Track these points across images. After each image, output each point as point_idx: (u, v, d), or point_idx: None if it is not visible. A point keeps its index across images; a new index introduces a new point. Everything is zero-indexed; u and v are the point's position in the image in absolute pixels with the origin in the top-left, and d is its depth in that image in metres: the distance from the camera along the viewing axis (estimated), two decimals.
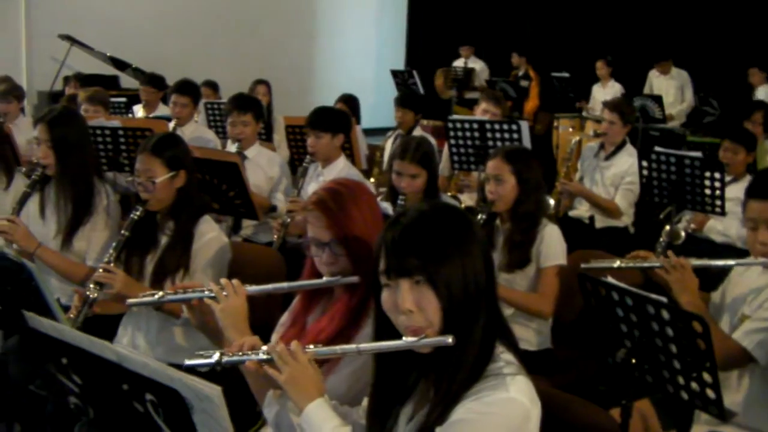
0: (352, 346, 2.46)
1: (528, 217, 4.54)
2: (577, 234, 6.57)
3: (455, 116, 7.63)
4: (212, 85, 10.90)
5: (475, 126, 6.85)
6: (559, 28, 15.59)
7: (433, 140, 6.68)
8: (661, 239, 6.27)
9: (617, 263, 4.03)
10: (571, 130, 12.08)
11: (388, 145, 8.54)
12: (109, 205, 4.71)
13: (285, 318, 3.31)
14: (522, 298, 4.55)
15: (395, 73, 13.87)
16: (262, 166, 6.57)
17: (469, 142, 6.89)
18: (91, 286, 3.95)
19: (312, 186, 6.05)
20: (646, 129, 11.42)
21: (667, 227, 6.34)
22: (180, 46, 14.72)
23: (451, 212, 2.39)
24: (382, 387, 2.47)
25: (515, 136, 6.64)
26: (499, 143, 6.61)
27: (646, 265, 3.96)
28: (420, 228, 2.29)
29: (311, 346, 2.51)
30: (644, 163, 6.53)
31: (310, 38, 17.64)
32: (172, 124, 7.87)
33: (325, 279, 3.02)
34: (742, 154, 6.77)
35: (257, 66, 13.55)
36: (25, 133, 8.22)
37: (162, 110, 9.32)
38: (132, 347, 4.17)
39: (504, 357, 2.30)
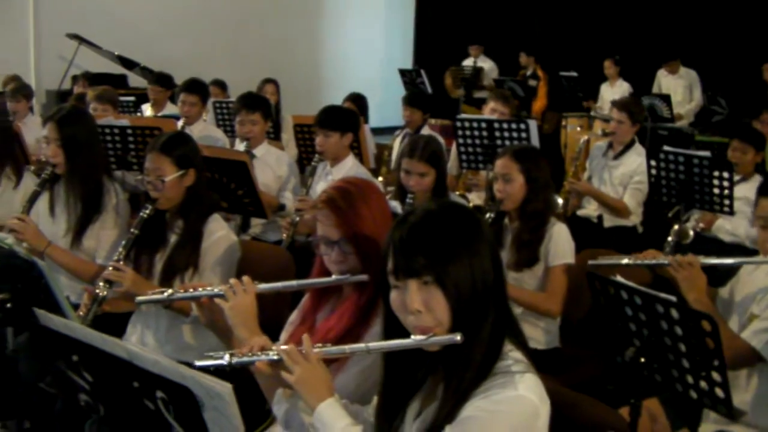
0: (361, 345, 2.47)
1: (536, 215, 4.54)
2: (586, 233, 6.56)
3: (464, 115, 7.62)
4: (221, 84, 10.91)
5: (484, 125, 6.84)
6: (567, 28, 15.55)
7: (441, 139, 6.68)
8: (670, 238, 6.26)
9: (625, 260, 4.03)
10: (579, 129, 12.06)
11: (396, 144, 8.53)
12: (118, 204, 4.72)
13: (294, 316, 3.31)
14: (530, 297, 4.55)
15: (403, 72, 13.85)
16: (271, 165, 6.58)
17: (477, 141, 6.89)
18: (101, 284, 3.97)
19: (321, 185, 6.05)
20: (655, 128, 11.40)
21: (676, 226, 6.33)
22: (188, 45, 14.73)
23: (458, 211, 2.39)
24: (391, 385, 2.47)
25: (523, 135, 6.64)
26: (507, 142, 6.60)
27: (654, 262, 3.96)
28: (427, 227, 2.29)
29: (320, 346, 2.52)
30: (653, 163, 6.52)
31: (318, 37, 17.65)
32: (180, 123, 7.87)
33: (334, 277, 3.03)
34: (750, 154, 6.76)
35: (266, 65, 13.56)
36: (34, 131, 8.25)
37: (170, 109, 9.34)
38: (141, 345, 4.18)
39: (513, 355, 2.31)
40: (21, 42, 13.77)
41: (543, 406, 2.26)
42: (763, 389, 3.56)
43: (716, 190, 6.11)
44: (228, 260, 4.14)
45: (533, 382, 2.26)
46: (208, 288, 3.11)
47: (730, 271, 3.98)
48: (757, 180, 6.60)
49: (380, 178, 8.03)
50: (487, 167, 6.87)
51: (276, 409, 2.69)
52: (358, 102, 9.41)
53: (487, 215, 4.55)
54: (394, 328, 2.36)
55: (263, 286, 3.08)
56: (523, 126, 6.67)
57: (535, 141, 6.56)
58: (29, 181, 5.34)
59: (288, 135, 9.14)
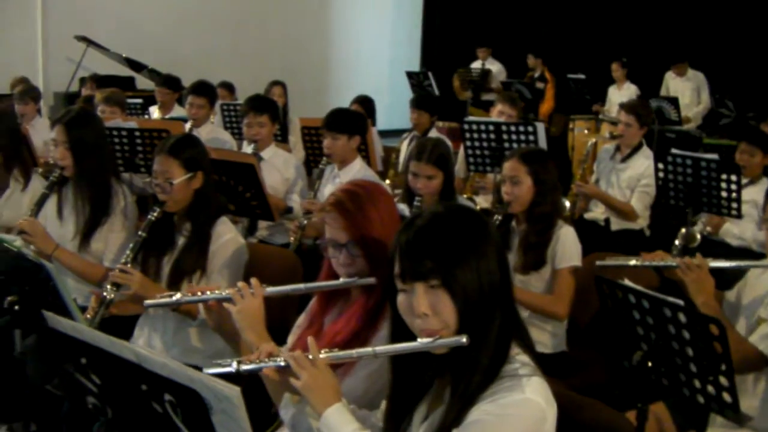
0: (368, 349, 2.47)
1: (544, 218, 4.54)
2: (593, 236, 6.56)
3: (471, 118, 7.63)
4: (228, 87, 10.92)
5: (491, 128, 6.85)
6: (574, 30, 15.54)
7: (448, 142, 6.68)
8: (677, 242, 6.27)
9: (633, 261, 4.03)
10: (586, 132, 12.06)
11: (404, 147, 8.54)
12: (126, 207, 4.73)
13: (302, 319, 3.31)
14: (537, 299, 4.55)
15: (410, 75, 13.86)
16: (278, 168, 6.58)
17: (485, 144, 6.89)
18: (108, 286, 3.97)
19: (328, 188, 6.06)
20: (662, 131, 11.39)
21: (683, 230, 6.33)
22: (196, 47, 14.76)
23: (465, 214, 2.39)
24: (399, 389, 2.47)
25: (531, 137, 6.64)
26: (515, 145, 6.61)
27: (662, 264, 3.95)
28: (434, 230, 2.29)
29: (327, 350, 2.52)
30: (660, 166, 6.52)
31: (325, 39, 17.67)
32: (188, 125, 7.88)
33: (342, 280, 3.03)
34: (758, 157, 6.74)
35: (273, 67, 13.61)
36: (42, 134, 8.26)
37: (177, 111, 9.34)
38: (148, 348, 4.18)
39: (519, 358, 2.31)
40: (29, 44, 13.82)
41: (550, 409, 2.27)
42: None
43: (724, 193, 6.11)
44: (236, 263, 4.14)
45: (540, 386, 2.26)
46: (216, 291, 3.11)
47: (737, 275, 3.97)
48: (765, 183, 6.60)
49: (387, 181, 8.04)
50: (494, 170, 6.87)
51: (283, 414, 2.69)
52: (366, 105, 9.41)
53: (495, 218, 4.55)
54: (401, 331, 2.37)
55: (271, 290, 3.08)
56: (530, 128, 6.67)
57: (542, 143, 6.56)
58: (37, 184, 5.34)
59: (295, 137, 9.14)
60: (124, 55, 13.59)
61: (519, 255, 4.55)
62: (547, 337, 4.62)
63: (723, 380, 3.13)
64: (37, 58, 13.93)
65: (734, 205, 6.09)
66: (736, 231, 6.64)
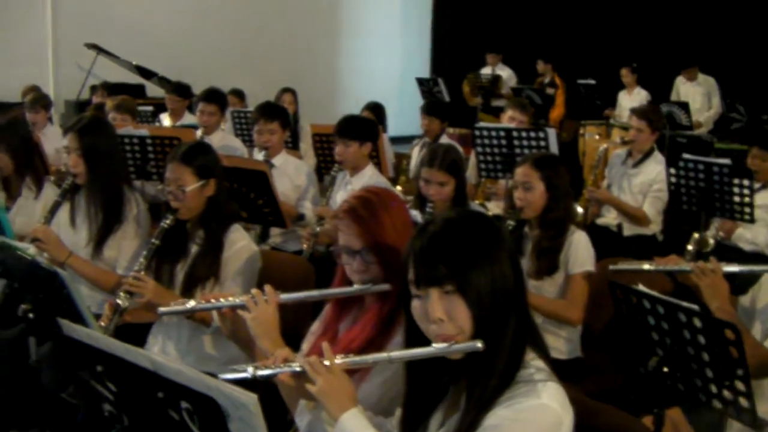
0: (384, 355, 2.46)
1: (556, 223, 4.53)
2: (605, 242, 6.54)
3: (482, 124, 7.62)
4: (239, 94, 10.94)
5: (502, 134, 6.84)
6: (584, 35, 15.52)
7: (459, 148, 6.68)
8: (690, 247, 6.25)
9: (647, 266, 4.01)
10: (597, 137, 12.04)
11: (415, 153, 8.54)
12: (139, 214, 4.74)
13: (316, 326, 3.31)
14: (550, 304, 4.54)
15: (421, 81, 13.86)
16: (289, 175, 6.58)
17: (496, 150, 6.89)
18: (122, 294, 3.97)
19: (340, 194, 6.07)
20: (673, 136, 11.38)
21: (696, 235, 6.31)
22: (205, 54, 14.78)
23: (478, 220, 2.39)
24: (414, 395, 2.47)
25: (542, 143, 6.64)
26: (526, 151, 6.60)
27: (676, 268, 3.94)
28: (447, 236, 2.29)
29: (342, 356, 2.51)
30: (672, 171, 6.51)
31: (335, 46, 17.69)
32: (199, 133, 7.89)
33: (356, 287, 3.02)
34: None
35: (284, 74, 13.58)
36: (53, 142, 8.28)
37: (188, 119, 9.36)
38: (163, 355, 4.18)
39: (535, 363, 2.31)
40: (39, 52, 13.87)
41: (566, 414, 2.26)
42: None
43: (736, 198, 6.10)
44: (249, 270, 4.14)
45: (556, 391, 2.26)
46: (230, 298, 3.11)
47: (751, 280, 3.95)
48: None
49: (399, 188, 8.04)
50: (506, 176, 6.86)
51: (299, 420, 2.69)
52: (377, 111, 9.42)
53: (507, 223, 4.55)
54: (416, 337, 2.36)
55: (285, 296, 3.07)
56: (542, 134, 6.67)
57: (554, 149, 6.55)
58: (50, 192, 5.35)
59: (306, 144, 9.14)
60: (134, 63, 13.64)
61: (532, 260, 4.54)
62: (561, 343, 4.61)
63: (739, 385, 3.12)
64: (48, 66, 13.99)
65: (747, 209, 6.08)
66: (749, 236, 6.62)
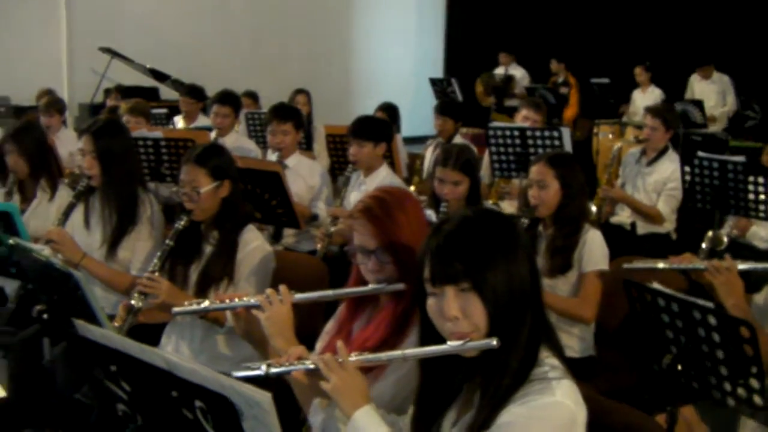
0: (398, 352, 2.47)
1: (571, 221, 4.53)
2: (619, 240, 6.53)
3: (496, 123, 7.62)
4: (252, 96, 10.95)
5: (516, 133, 6.83)
6: (597, 34, 15.49)
7: (473, 148, 6.67)
8: (704, 245, 6.23)
9: (661, 264, 4.01)
10: (611, 136, 12.02)
11: (428, 154, 8.53)
12: (153, 215, 4.75)
13: (330, 326, 3.32)
14: (563, 302, 4.53)
15: (434, 81, 13.86)
16: (303, 175, 6.58)
17: (510, 149, 6.88)
18: (136, 295, 3.98)
19: (354, 195, 6.08)
20: (688, 134, 11.35)
21: (710, 233, 6.29)
22: (219, 57, 14.83)
23: (494, 218, 2.40)
24: (428, 393, 2.47)
25: (557, 143, 6.62)
26: (540, 150, 6.58)
27: (690, 266, 3.93)
28: (464, 234, 2.30)
29: (356, 354, 2.52)
30: (687, 169, 6.49)
31: (349, 47, 17.70)
32: (213, 135, 7.91)
33: (371, 286, 3.02)
34: None
35: (297, 75, 13.64)
36: (67, 145, 8.32)
37: (202, 121, 9.38)
38: (177, 355, 4.19)
39: (549, 361, 2.31)
40: (54, 56, 13.95)
41: (580, 412, 2.26)
42: None
43: (751, 196, 6.07)
44: (263, 271, 4.14)
45: (570, 389, 2.26)
46: (244, 298, 3.11)
47: (765, 277, 3.94)
48: None
49: (412, 188, 8.02)
50: (519, 175, 6.85)
51: (312, 419, 2.69)
52: (390, 112, 9.42)
53: (522, 221, 4.54)
54: (431, 336, 2.36)
55: (299, 296, 3.07)
56: (556, 134, 6.65)
57: (568, 148, 6.53)
58: (64, 194, 5.38)
59: (319, 145, 9.16)
60: (148, 66, 13.68)
61: (546, 259, 4.53)
62: (575, 342, 4.60)
63: (754, 383, 3.12)
64: (62, 69, 14.06)
65: (762, 207, 6.05)
66: (764, 233, 6.60)
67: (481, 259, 2.25)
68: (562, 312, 4.49)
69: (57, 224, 4.64)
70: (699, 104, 11.70)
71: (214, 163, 4.16)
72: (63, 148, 8.06)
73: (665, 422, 3.33)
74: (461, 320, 2.26)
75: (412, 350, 2.44)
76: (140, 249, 4.69)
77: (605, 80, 13.30)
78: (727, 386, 3.22)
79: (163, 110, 10.15)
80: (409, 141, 10.79)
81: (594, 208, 6.93)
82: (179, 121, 9.71)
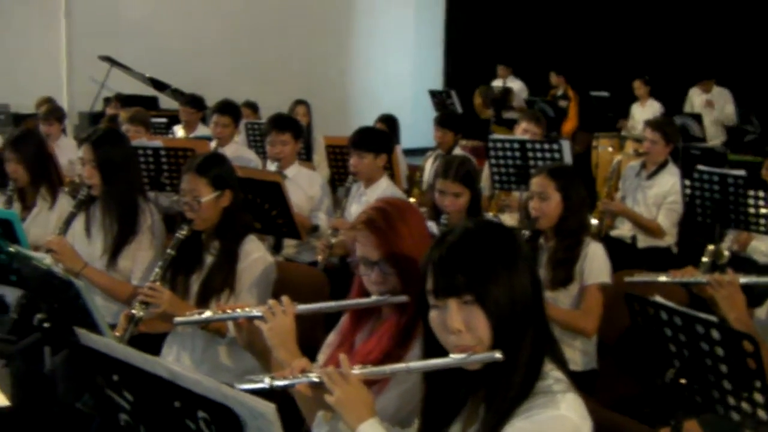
0: (402, 365, 2.46)
1: (572, 234, 4.53)
2: (620, 254, 6.49)
3: (496, 136, 7.63)
4: (252, 106, 10.96)
5: (517, 145, 6.83)
6: (597, 47, 15.51)
7: (473, 160, 6.68)
8: (705, 259, 6.23)
9: (663, 278, 4.00)
10: (610, 149, 12.03)
11: (428, 165, 8.54)
12: (153, 225, 4.75)
13: (332, 338, 3.30)
14: (565, 315, 4.52)
15: (433, 93, 13.87)
16: (302, 186, 6.57)
17: (510, 162, 6.88)
18: (137, 304, 3.97)
19: (355, 206, 6.08)
20: (687, 148, 11.35)
21: (711, 247, 6.29)
22: (219, 67, 14.84)
23: (496, 230, 2.39)
24: (432, 406, 2.46)
25: (557, 155, 6.62)
26: (540, 163, 6.58)
27: (692, 280, 3.92)
28: (466, 246, 2.29)
29: (360, 366, 2.51)
30: (687, 182, 6.49)
31: (348, 58, 17.71)
32: (213, 144, 7.91)
33: (374, 298, 3.01)
34: None
35: (297, 86, 13.65)
36: (67, 153, 8.33)
37: (201, 130, 9.38)
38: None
39: (553, 374, 2.30)
40: (54, 64, 13.98)
41: (584, 426, 2.25)
42: None
43: (751, 210, 6.07)
44: (264, 281, 4.13)
45: (575, 402, 2.25)
46: (247, 309, 3.10)
47: (767, 291, 3.94)
48: None
49: (412, 199, 8.02)
50: (519, 188, 6.85)
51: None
52: (390, 123, 9.45)
53: (523, 233, 4.54)
54: (434, 348, 2.35)
55: (302, 307, 3.06)
56: (556, 146, 6.66)
57: (568, 161, 6.54)
58: (64, 202, 5.37)
59: (319, 156, 9.16)
60: (147, 75, 13.69)
61: (548, 271, 4.53)
62: (577, 355, 4.60)
63: (758, 397, 3.10)
64: (62, 77, 14.09)
65: (762, 221, 6.05)
66: (764, 248, 6.60)
67: (483, 272, 2.24)
68: (564, 324, 4.48)
69: (58, 233, 4.64)
70: (698, 118, 11.71)
71: (215, 173, 4.16)
72: (63, 156, 8.05)
73: None
74: (464, 333, 2.25)
75: (415, 363, 2.43)
76: (141, 258, 4.68)
77: (604, 93, 13.30)
78: (731, 400, 3.21)
79: (163, 119, 10.17)
80: (409, 153, 10.81)
81: (594, 221, 6.93)
82: (179, 131, 9.72)
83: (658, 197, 7.07)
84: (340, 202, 6.37)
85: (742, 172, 6.18)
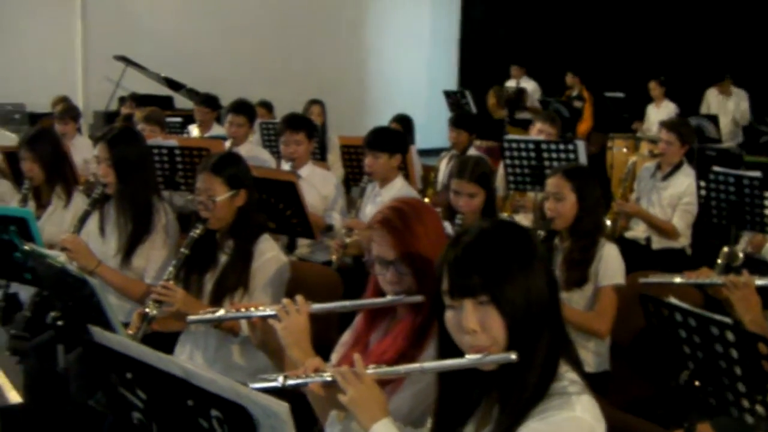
0: (416, 365, 2.46)
1: (587, 234, 4.52)
2: (634, 255, 6.47)
3: (511, 136, 7.61)
4: (267, 106, 10.96)
5: (532, 146, 6.82)
6: (612, 48, 15.47)
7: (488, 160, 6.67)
8: (719, 261, 6.20)
9: (678, 279, 3.98)
10: (625, 150, 12.00)
11: (443, 166, 8.53)
12: (167, 224, 4.75)
13: (346, 337, 3.30)
14: (579, 316, 4.51)
15: (448, 94, 13.86)
16: (316, 185, 6.57)
17: (525, 162, 6.86)
18: (151, 303, 3.97)
19: (370, 206, 6.07)
20: (702, 149, 11.31)
21: (726, 248, 6.26)
22: (233, 66, 14.88)
23: (512, 230, 2.38)
24: (445, 407, 2.45)
25: (571, 156, 6.61)
26: (555, 163, 6.56)
27: (708, 281, 3.91)
28: (482, 246, 2.28)
29: (374, 366, 2.50)
30: (702, 183, 6.46)
31: (363, 59, 17.73)
32: (227, 144, 7.91)
33: (389, 298, 3.01)
34: None
35: (311, 86, 13.66)
36: (82, 152, 8.34)
37: (216, 130, 9.39)
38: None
39: (568, 376, 2.29)
40: (69, 64, 14.05)
41: (599, 428, 2.24)
42: None
43: (767, 211, 6.04)
44: (278, 281, 4.14)
45: (590, 404, 2.24)
46: (260, 308, 3.10)
47: None
48: None
49: (426, 200, 8.02)
50: (534, 188, 6.84)
51: (329, 431, 2.68)
52: (404, 123, 9.45)
53: (538, 233, 4.53)
54: (449, 348, 2.35)
55: (317, 306, 3.06)
56: (571, 147, 6.64)
57: (583, 162, 6.52)
58: (79, 201, 5.39)
59: (334, 156, 9.15)
60: (162, 75, 13.72)
61: (562, 271, 4.51)
62: (590, 357, 4.58)
63: None
64: (77, 77, 14.16)
65: None
66: None
67: (499, 273, 2.23)
68: (578, 325, 4.47)
69: (72, 231, 4.64)
70: (713, 119, 11.67)
71: (230, 172, 4.16)
72: (77, 155, 8.06)
73: None
74: (480, 334, 2.24)
75: (430, 363, 2.42)
76: (155, 257, 4.69)
77: (619, 94, 13.28)
78: (746, 403, 3.19)
79: (178, 119, 10.17)
80: (423, 153, 10.79)
81: (608, 223, 6.90)
82: (194, 130, 9.74)
83: (673, 198, 7.03)
84: (355, 202, 6.37)
85: (758, 174, 6.15)
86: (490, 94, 14.34)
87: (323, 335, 3.67)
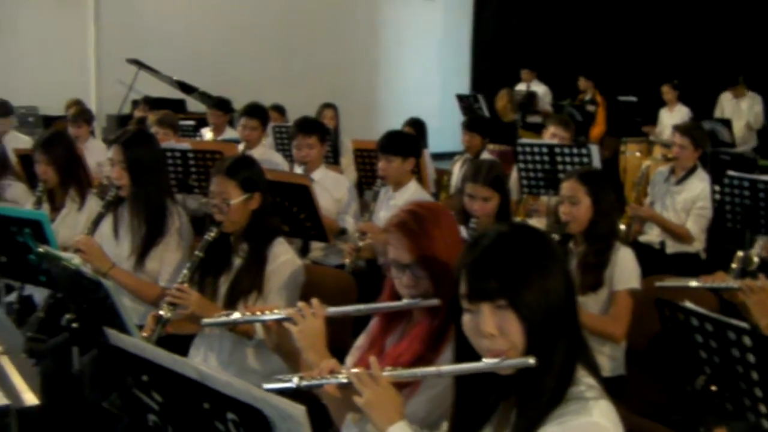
0: (433, 369, 2.45)
1: (602, 238, 4.50)
2: (648, 259, 6.43)
3: (525, 140, 7.61)
4: (279, 109, 10.96)
5: (545, 150, 6.81)
6: (625, 52, 15.44)
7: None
8: (734, 265, 6.17)
9: (693, 283, 3.97)
10: (638, 154, 11.99)
11: (456, 170, 8.53)
12: (181, 227, 4.75)
13: (361, 341, 3.29)
14: (593, 320, 4.49)
15: (461, 98, 13.86)
16: (329, 189, 6.56)
17: (538, 166, 6.85)
18: (165, 305, 3.97)
19: (383, 210, 6.06)
20: (716, 153, 11.29)
21: (740, 253, 6.23)
22: (246, 70, 14.91)
23: (530, 233, 2.36)
24: (462, 411, 2.44)
25: (585, 160, 6.60)
26: (569, 167, 6.55)
27: (723, 285, 3.89)
28: (500, 250, 2.26)
29: (390, 369, 2.50)
30: (717, 188, 6.44)
31: (376, 62, 17.74)
32: (240, 147, 7.92)
33: (405, 301, 3.00)
34: None
35: (324, 90, 13.67)
36: (95, 155, 8.37)
37: (229, 133, 9.42)
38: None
39: (586, 380, 2.27)
40: (83, 67, 14.09)
41: None
42: None
43: None
44: (293, 284, 4.13)
45: (607, 408, 2.22)
46: (275, 311, 3.10)
47: None
48: None
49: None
50: (548, 192, 6.83)
51: None
52: (418, 127, 9.44)
53: (553, 236, 4.52)
54: (466, 352, 2.33)
55: (332, 310, 3.06)
56: (585, 151, 6.63)
57: (597, 166, 6.51)
58: (93, 204, 5.40)
59: (347, 159, 9.16)
60: (175, 78, 13.74)
61: (577, 275, 4.49)
62: (605, 361, 4.56)
63: None
64: (90, 81, 14.20)
65: None
66: None
67: (517, 277, 2.21)
68: (593, 329, 4.45)
69: (86, 234, 4.64)
70: (727, 123, 11.64)
71: (244, 176, 4.16)
72: (91, 158, 8.09)
73: None
74: (497, 338, 2.22)
75: (447, 367, 2.41)
76: (168, 260, 4.69)
77: (632, 98, 13.25)
78: (762, 408, 3.18)
79: (191, 122, 10.20)
80: (437, 157, 10.79)
81: (622, 227, 6.88)
82: (207, 133, 9.75)
83: (687, 202, 7.02)
84: (368, 205, 6.37)
85: None
86: (500, 96, 14.35)
87: (337, 339, 3.66)
